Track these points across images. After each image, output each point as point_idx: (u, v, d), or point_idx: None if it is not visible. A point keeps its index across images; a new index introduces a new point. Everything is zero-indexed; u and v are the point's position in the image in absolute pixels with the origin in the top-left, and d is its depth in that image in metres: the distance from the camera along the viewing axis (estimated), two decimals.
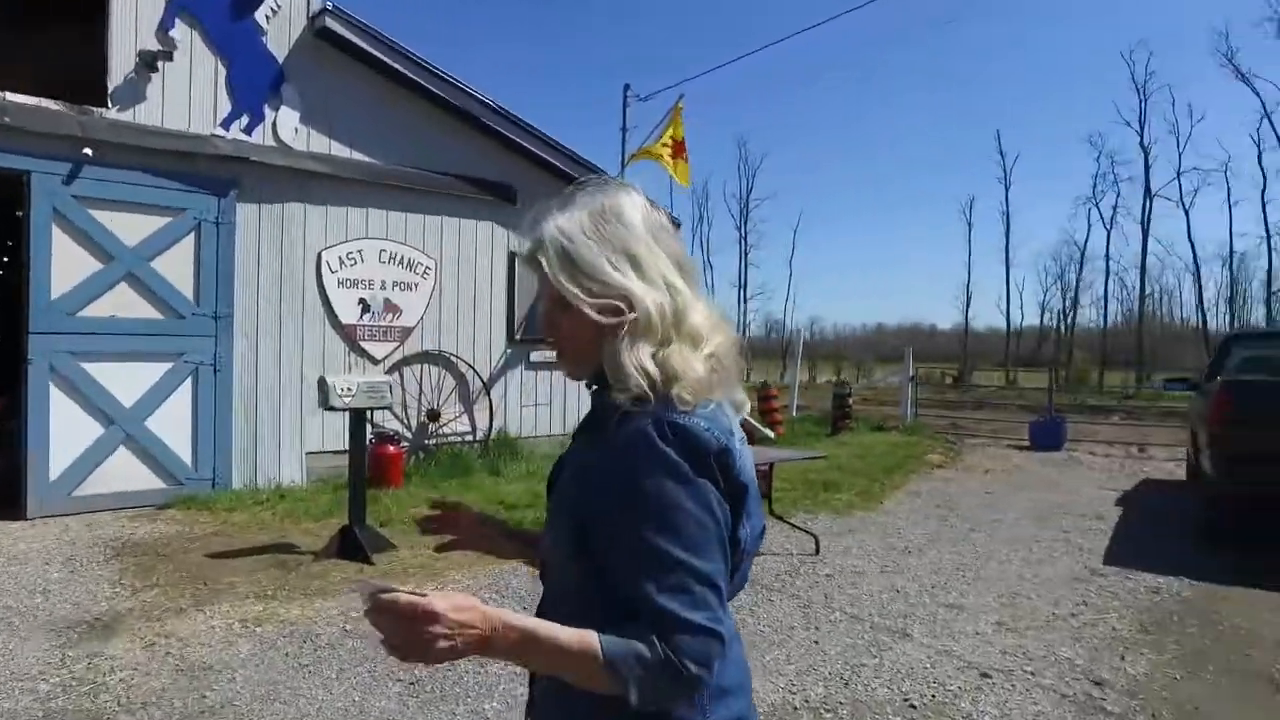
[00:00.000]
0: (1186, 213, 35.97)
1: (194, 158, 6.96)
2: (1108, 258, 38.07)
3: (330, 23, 7.56)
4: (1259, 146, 34.71)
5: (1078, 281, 41.34)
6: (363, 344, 7.98)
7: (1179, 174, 37.22)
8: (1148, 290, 37.45)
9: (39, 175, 6.24)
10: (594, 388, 1.10)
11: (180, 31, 6.89)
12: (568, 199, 1.10)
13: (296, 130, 7.56)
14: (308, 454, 7.64)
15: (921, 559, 5.71)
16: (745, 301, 49.31)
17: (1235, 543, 6.06)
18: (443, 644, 0.87)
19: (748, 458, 1.04)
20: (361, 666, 3.63)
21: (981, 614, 4.51)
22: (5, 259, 11.23)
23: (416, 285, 8.38)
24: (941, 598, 4.81)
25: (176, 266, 6.90)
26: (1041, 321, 46.91)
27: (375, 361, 8.07)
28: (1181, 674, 3.72)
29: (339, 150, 7.82)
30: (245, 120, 7.27)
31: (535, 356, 9.43)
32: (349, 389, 5.33)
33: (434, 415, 8.53)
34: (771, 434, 9.44)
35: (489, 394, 8.95)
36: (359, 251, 7.95)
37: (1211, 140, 45.39)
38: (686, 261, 1.08)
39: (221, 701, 3.27)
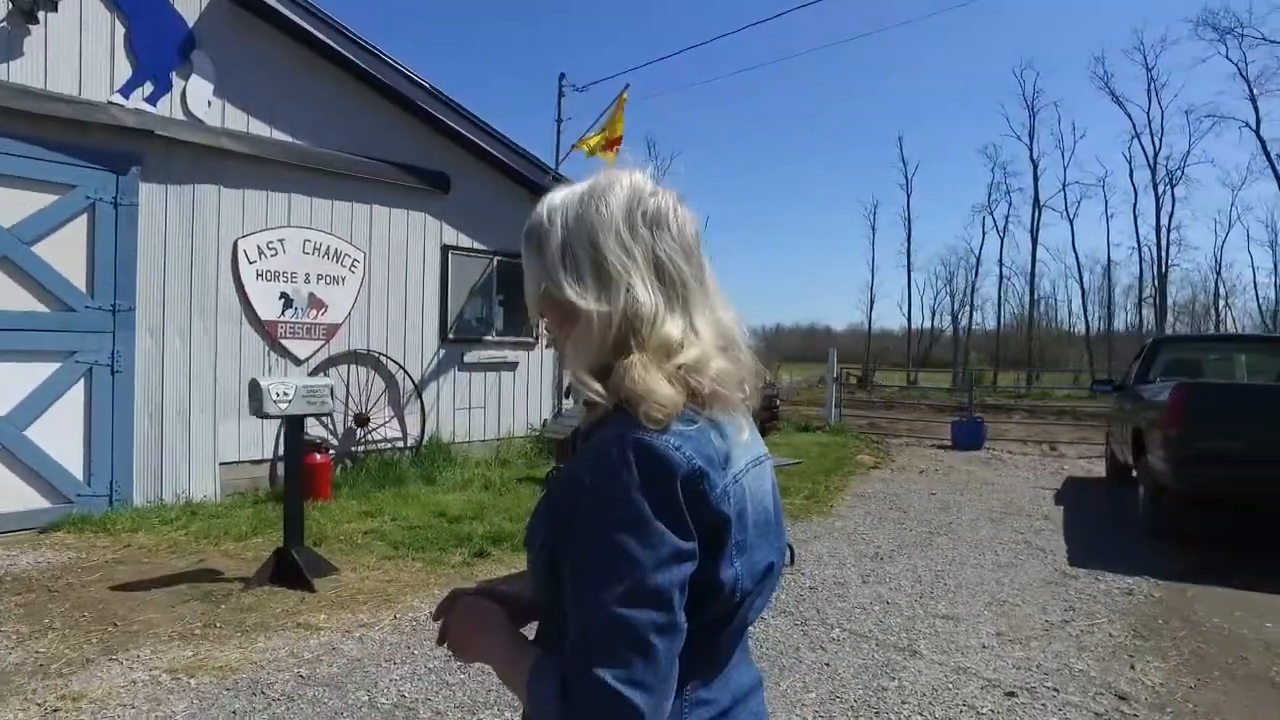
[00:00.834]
0: (1071, 223, 38.58)
1: (86, 127, 6.07)
2: (1001, 263, 40.36)
3: None
4: (1130, 164, 37.55)
5: (972, 286, 43.57)
6: (284, 342, 7.22)
7: (1064, 186, 39.94)
8: (1036, 295, 39.91)
9: None
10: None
11: None
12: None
13: (210, 104, 6.75)
14: (221, 465, 6.84)
15: (896, 566, 5.57)
16: None
17: (1180, 540, 6.25)
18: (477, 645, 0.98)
19: (748, 485, 0.90)
20: None
21: (978, 624, 4.37)
22: None
23: (344, 279, 7.68)
24: (932, 608, 4.65)
25: (65, 252, 6.00)
26: (933, 324, 49.23)
27: (298, 361, 7.33)
28: (1193, 682, 3.66)
29: (258, 128, 7.04)
30: (149, 88, 6.42)
31: (469, 357, 8.88)
32: (285, 393, 4.70)
33: (362, 420, 7.84)
34: None
35: (421, 397, 8.33)
36: (280, 241, 7.19)
37: (1092, 156, 49.09)
38: (673, 264, 0.92)
39: None
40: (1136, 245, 36.26)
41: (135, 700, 3.20)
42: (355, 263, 7.76)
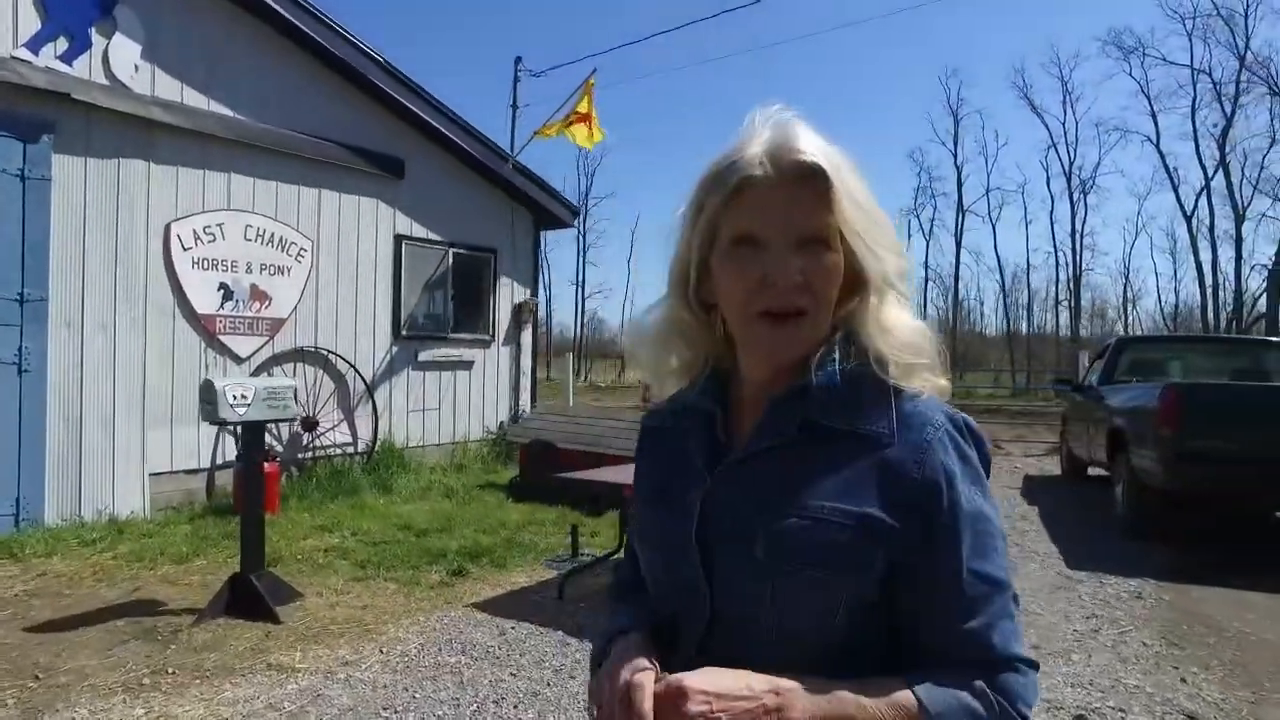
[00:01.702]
0: (994, 227, 40.10)
1: None
2: (926, 265, 41.55)
3: None
4: (1047, 172, 39.30)
5: None
6: (224, 338, 6.49)
7: (987, 192, 41.46)
8: (960, 296, 41.30)
9: None
10: (836, 370, 0.83)
11: None
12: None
13: (137, 68, 5.97)
14: (152, 476, 6.07)
15: None
16: (583, 301, 48.82)
17: (1162, 539, 6.25)
18: None
19: None
20: None
21: None
22: None
23: (290, 269, 6.97)
24: None
25: None
26: None
27: (239, 360, 6.60)
28: (1250, 696, 3.51)
29: (194, 99, 6.29)
30: (63, 45, 5.62)
31: (424, 355, 8.27)
32: (243, 396, 4.08)
33: (310, 424, 7.15)
34: None
35: (373, 398, 7.68)
36: (219, 226, 6.45)
37: (1013, 163, 51.66)
38: None
39: None
40: (1053, 250, 38.06)
41: None
42: (302, 252, 7.06)
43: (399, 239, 7.98)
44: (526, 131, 10.47)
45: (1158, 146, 34.62)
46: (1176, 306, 36.16)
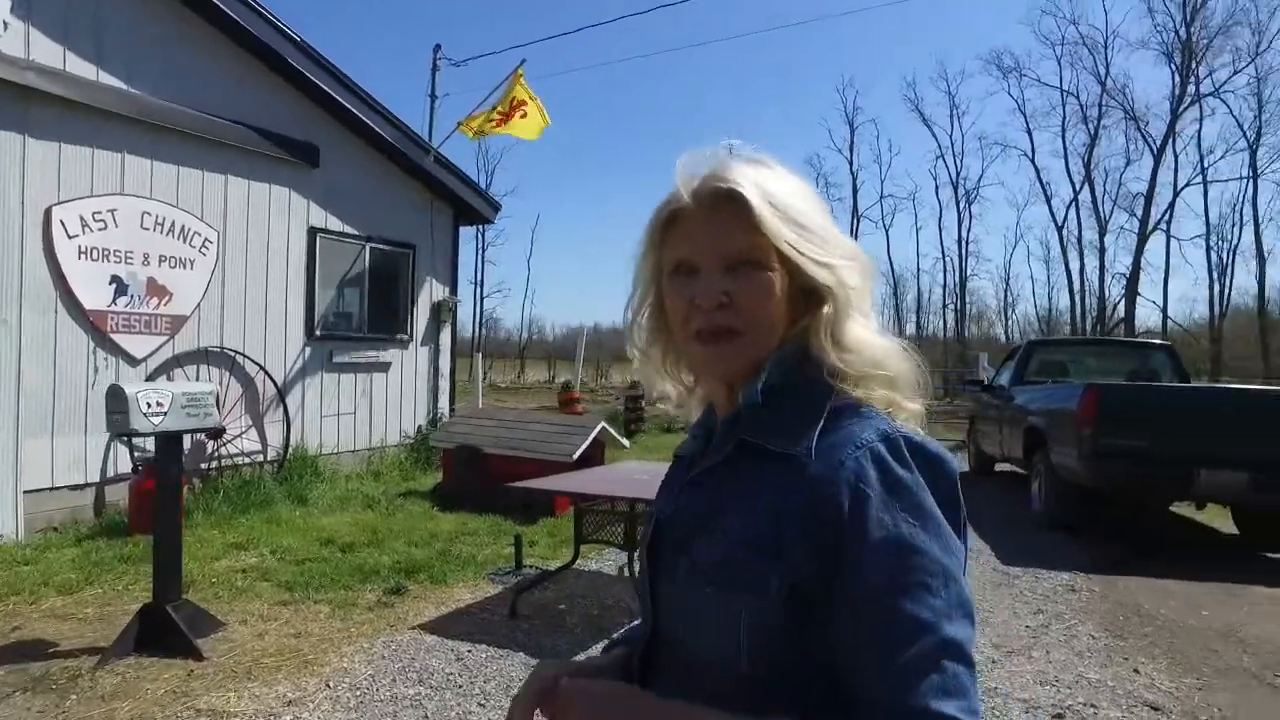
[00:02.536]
0: (887, 232, 41.90)
1: None
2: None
3: None
4: (935, 181, 41.44)
5: None
6: (116, 338, 5.82)
7: (881, 198, 43.35)
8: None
9: None
10: (758, 388, 0.82)
11: None
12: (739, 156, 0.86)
13: (6, 25, 5.25)
14: (27, 494, 5.36)
15: None
16: (483, 300, 47.69)
17: (1079, 533, 6.59)
18: None
19: None
20: None
21: None
22: None
23: (192, 262, 6.34)
24: None
25: None
26: None
27: (135, 361, 5.95)
28: (1195, 683, 3.67)
29: (81, 68, 5.61)
30: None
31: (339, 356, 7.76)
32: (159, 403, 3.61)
33: (215, 431, 6.52)
34: (627, 443, 8.68)
35: (284, 402, 7.11)
36: (111, 212, 5.78)
37: (905, 171, 54.26)
38: None
39: None
40: (941, 256, 40.18)
41: None
42: (207, 243, 6.44)
43: (313, 231, 7.43)
44: (446, 123, 10.04)
45: (1033, 161, 37.22)
46: (1050, 311, 39.01)
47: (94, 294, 5.67)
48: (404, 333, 8.51)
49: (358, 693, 3.28)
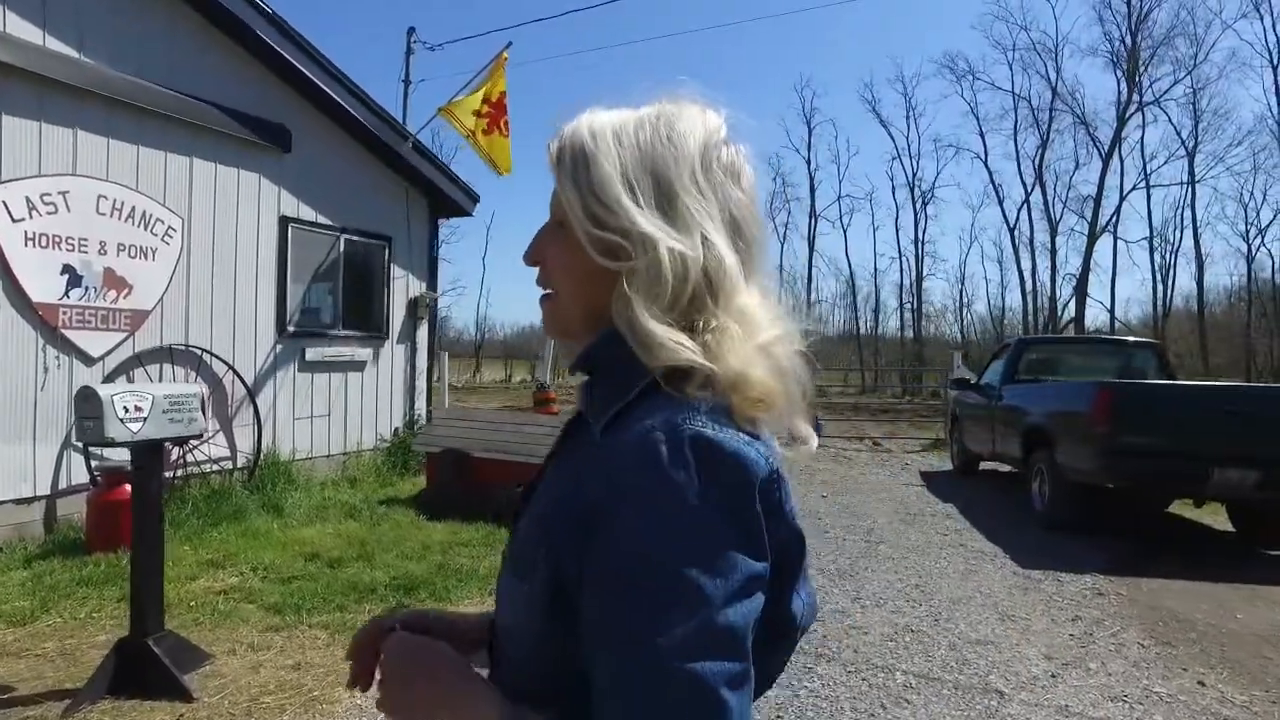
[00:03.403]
0: (845, 232, 42.40)
1: None
2: (781, 269, 43.25)
3: None
4: (892, 181, 41.97)
5: None
6: (69, 334, 5.25)
7: (839, 198, 43.77)
8: (812, 299, 43.29)
9: None
10: (585, 372, 0.77)
11: None
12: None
13: None
14: None
15: (872, 583, 5.12)
16: (437, 298, 46.81)
17: (1077, 531, 6.51)
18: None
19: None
20: None
21: (1018, 648, 3.99)
22: None
23: (155, 251, 5.78)
24: (956, 630, 4.22)
25: None
26: None
27: (90, 360, 5.38)
28: (1268, 694, 3.51)
29: (23, 30, 5.03)
30: None
31: (312, 354, 7.25)
32: (137, 408, 3.15)
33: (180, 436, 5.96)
34: None
35: (255, 404, 6.58)
36: (63, 195, 5.21)
37: (863, 172, 54.88)
38: (748, 225, 0.75)
39: None
40: (899, 255, 40.69)
41: None
42: (171, 231, 5.88)
43: (284, 221, 6.90)
44: (420, 108, 9.53)
45: (985, 164, 37.98)
46: (1003, 311, 39.88)
47: (43, 285, 5.09)
48: (380, 330, 8.02)
49: None
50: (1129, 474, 5.94)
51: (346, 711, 3.07)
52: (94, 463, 5.30)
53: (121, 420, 3.10)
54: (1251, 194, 36.41)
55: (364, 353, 7.85)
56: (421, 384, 8.56)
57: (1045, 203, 35.33)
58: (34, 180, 5.05)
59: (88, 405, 3.07)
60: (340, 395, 7.62)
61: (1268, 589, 5.18)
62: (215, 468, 6.24)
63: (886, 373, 35.12)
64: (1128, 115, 32.59)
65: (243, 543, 5.28)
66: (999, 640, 4.09)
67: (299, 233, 7.06)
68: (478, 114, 7.81)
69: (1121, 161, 33.52)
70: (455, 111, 7.90)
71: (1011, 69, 45.19)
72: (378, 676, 0.77)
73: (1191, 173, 32.48)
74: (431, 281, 8.79)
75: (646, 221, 0.70)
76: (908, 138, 41.66)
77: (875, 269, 44.07)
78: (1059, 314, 34.35)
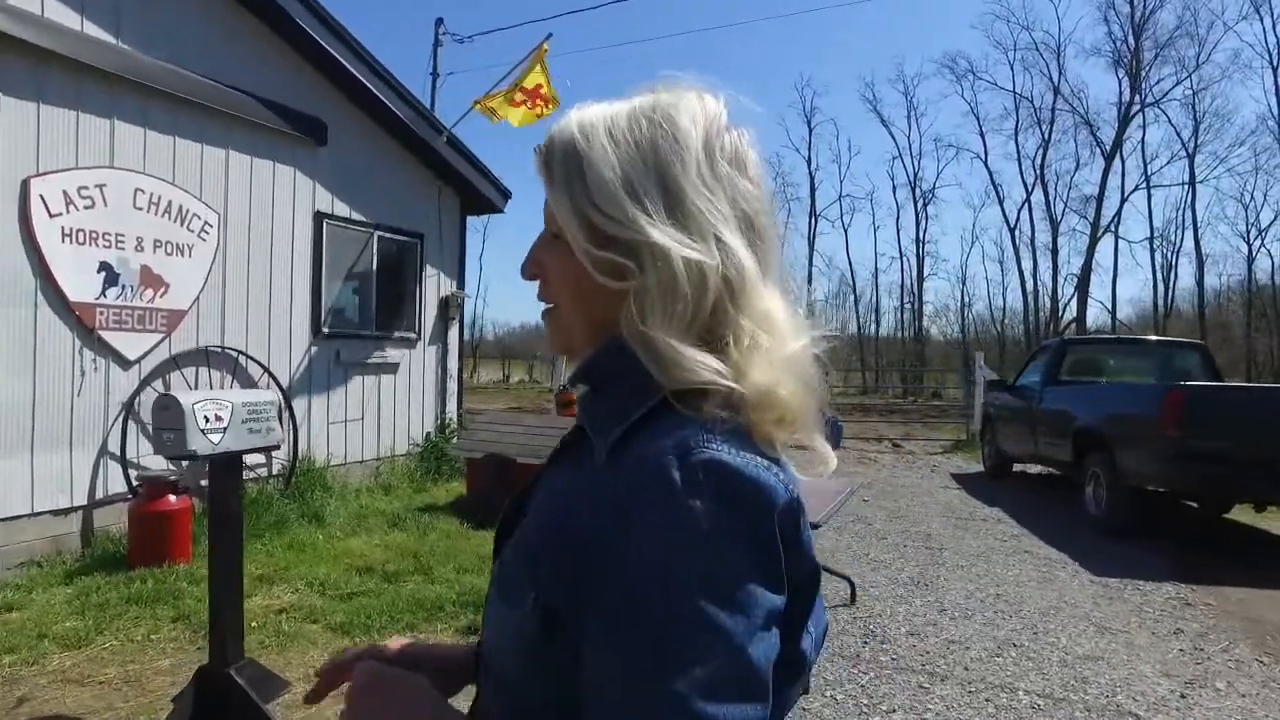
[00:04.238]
0: (845, 232, 42.32)
1: None
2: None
3: None
4: (893, 181, 41.89)
5: None
6: (106, 335, 4.97)
7: (840, 198, 43.68)
8: (811, 299, 42.80)
9: None
10: (584, 386, 0.72)
11: None
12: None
13: None
14: (1, 521, 4.48)
15: (952, 593, 4.92)
16: None
17: (1129, 536, 6.37)
18: None
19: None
20: None
21: (1132, 664, 3.79)
22: None
23: (191, 248, 5.51)
24: (1058, 644, 4.02)
25: None
26: None
27: (127, 362, 5.11)
28: None
29: (63, 15, 4.75)
30: None
31: (346, 356, 6.99)
32: (218, 417, 2.90)
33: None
34: None
35: (291, 409, 6.31)
36: (99, 188, 4.93)
37: (864, 172, 55.03)
38: (760, 217, 0.69)
39: None
40: (899, 255, 40.63)
41: None
42: (207, 227, 5.61)
43: (319, 217, 6.63)
44: (449, 102, 9.26)
45: (986, 164, 37.96)
46: (1004, 311, 39.86)
47: (80, 284, 4.81)
48: (412, 330, 7.76)
49: None
50: (1199, 478, 5.78)
51: None
52: (134, 472, 5.02)
53: (203, 431, 2.84)
54: (1252, 195, 36.51)
55: (397, 354, 7.59)
56: (453, 386, 8.30)
57: (1047, 202, 35.37)
58: (71, 173, 4.77)
59: (167, 415, 2.81)
60: (374, 398, 7.36)
61: None
62: (251, 475, 5.97)
63: (887, 373, 35.02)
64: (1131, 115, 32.63)
65: (290, 556, 5.01)
66: (1107, 655, 3.89)
67: (333, 229, 6.79)
68: (511, 103, 7.56)
69: (1123, 161, 33.60)
70: (490, 105, 7.65)
71: (1013, 69, 45.08)
72: (343, 707, 0.72)
73: (1192, 173, 32.58)
74: (461, 281, 8.54)
75: (656, 230, 0.64)
76: (909, 137, 41.62)
77: (876, 269, 44.01)
78: (1060, 314, 34.35)
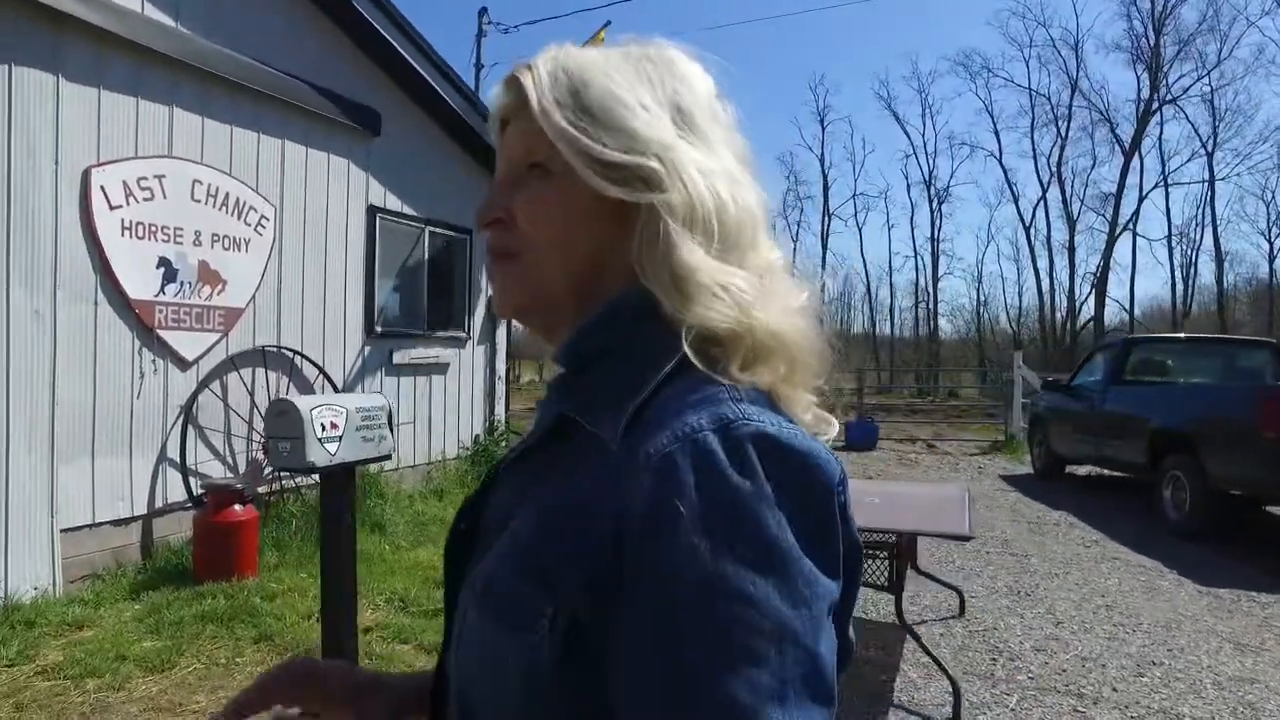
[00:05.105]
0: (860, 231, 42.04)
1: None
2: (794, 269, 42.56)
3: None
4: (907, 179, 41.63)
5: None
6: (165, 334, 4.71)
7: (854, 196, 43.36)
8: (826, 298, 42.47)
9: None
10: (577, 361, 0.62)
11: None
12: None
13: None
14: (64, 533, 4.23)
15: (1060, 604, 4.66)
16: None
17: (1216, 541, 6.13)
18: None
19: None
20: None
21: None
22: None
23: (248, 243, 5.25)
24: (1200, 663, 3.76)
25: None
26: None
27: (185, 363, 4.85)
28: None
29: None
30: None
31: (399, 357, 6.73)
32: (334, 424, 2.64)
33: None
34: None
35: None
36: (159, 179, 4.67)
37: (878, 170, 54.74)
38: (753, 177, 0.65)
39: None
40: (914, 254, 40.30)
41: None
42: (264, 221, 5.35)
43: (372, 211, 6.37)
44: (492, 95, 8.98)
45: (1000, 162, 37.69)
46: (1020, 309, 39.53)
47: (140, 280, 4.55)
48: (462, 330, 7.50)
49: None
50: None
51: None
52: (196, 479, 4.77)
53: (321, 440, 2.58)
54: (1273, 193, 36.24)
55: (448, 355, 7.33)
56: (501, 388, 8.04)
57: (1063, 200, 35.09)
58: (130, 163, 4.51)
59: (283, 422, 2.55)
60: (425, 400, 7.10)
61: None
62: (308, 480, 5.70)
63: (902, 372, 34.74)
64: (1151, 112, 32.33)
65: (361, 568, 4.72)
66: (1263, 678, 3.63)
67: (386, 224, 6.53)
68: None
69: (1142, 159, 33.32)
70: None
71: (1028, 66, 44.79)
72: None
73: (1211, 171, 32.29)
74: None
75: (679, 141, 0.58)
76: (924, 135, 41.27)
77: (890, 267, 43.54)
78: (1077, 312, 34.07)
